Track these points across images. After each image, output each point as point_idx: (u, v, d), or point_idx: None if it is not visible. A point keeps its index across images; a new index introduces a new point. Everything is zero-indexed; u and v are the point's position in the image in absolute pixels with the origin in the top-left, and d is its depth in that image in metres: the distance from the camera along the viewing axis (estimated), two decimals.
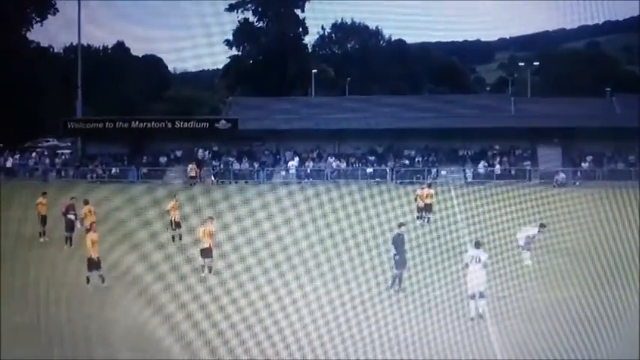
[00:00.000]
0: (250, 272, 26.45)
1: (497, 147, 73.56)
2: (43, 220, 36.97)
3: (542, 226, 30.84)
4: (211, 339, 19.72)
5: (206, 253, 27.83)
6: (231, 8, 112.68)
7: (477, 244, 23.77)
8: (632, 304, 22.71)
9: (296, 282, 25.62)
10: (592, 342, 19.60)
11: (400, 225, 26.54)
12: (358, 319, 21.84)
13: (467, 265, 22.94)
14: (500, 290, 24.64)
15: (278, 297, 23.82)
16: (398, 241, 25.43)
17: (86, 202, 34.82)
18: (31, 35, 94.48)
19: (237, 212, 36.10)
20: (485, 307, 22.55)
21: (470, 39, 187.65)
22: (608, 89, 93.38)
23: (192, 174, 68.29)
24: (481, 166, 71.52)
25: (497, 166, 70.79)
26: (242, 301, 22.97)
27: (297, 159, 73.73)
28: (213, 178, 71.43)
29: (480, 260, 22.68)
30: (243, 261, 27.89)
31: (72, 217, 35.32)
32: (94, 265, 26.33)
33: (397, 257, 25.16)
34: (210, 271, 27.51)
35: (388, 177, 71.18)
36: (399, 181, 68.95)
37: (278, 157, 75.68)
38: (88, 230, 32.18)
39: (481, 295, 22.44)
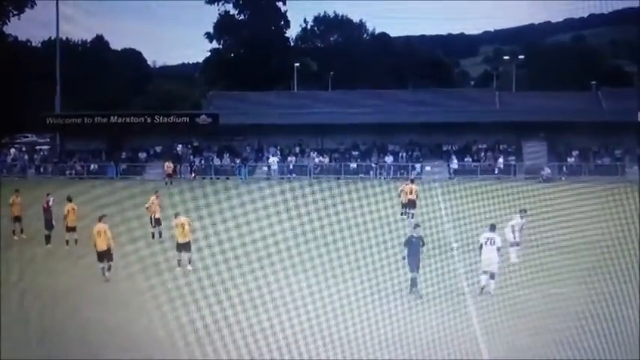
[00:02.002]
0: (231, 270, 25.40)
1: (481, 145, 72.94)
2: (17, 219, 36.30)
3: (523, 211, 30.66)
4: (195, 333, 19.64)
5: (183, 247, 28.18)
6: (212, 0, 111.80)
7: (493, 228, 25.29)
8: (619, 298, 22.46)
9: (279, 280, 25.11)
10: (580, 338, 19.30)
11: (415, 226, 25.64)
12: (346, 316, 21.37)
13: (481, 246, 24.79)
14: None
15: (254, 293, 23.44)
16: (411, 243, 24.42)
17: (69, 200, 34.24)
18: (8, 29, 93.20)
19: (214, 209, 34.87)
20: (493, 286, 24.24)
21: (454, 32, 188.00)
22: (594, 83, 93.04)
23: (169, 172, 66.62)
24: (465, 162, 70.82)
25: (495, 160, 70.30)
26: (222, 296, 22.59)
27: (279, 154, 72.87)
28: (192, 174, 70.41)
29: (494, 242, 24.56)
30: (220, 257, 26.86)
31: (51, 215, 34.69)
32: (104, 256, 27.14)
33: (410, 260, 24.21)
34: (189, 262, 27.84)
35: (372, 173, 70.38)
36: (382, 177, 68.15)
37: (260, 152, 74.72)
38: (69, 229, 32.99)
39: (492, 276, 24.37)
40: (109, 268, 27.04)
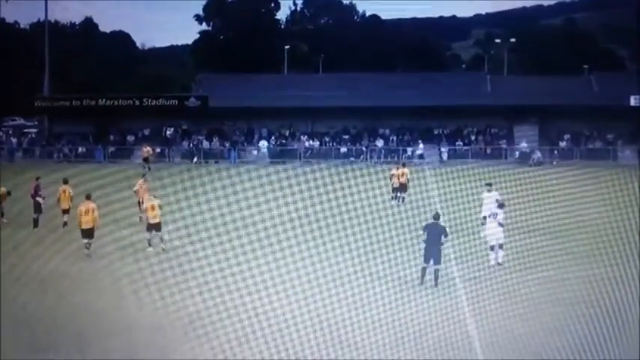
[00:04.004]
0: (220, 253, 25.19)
1: (472, 128, 72.75)
2: None
3: (488, 185, 30.99)
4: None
5: (154, 227, 28.79)
6: None
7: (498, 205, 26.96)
8: (610, 281, 22.33)
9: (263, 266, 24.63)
10: (572, 322, 19.25)
11: (436, 216, 24.55)
12: (334, 300, 21.12)
13: (485, 218, 27.02)
14: (477, 270, 24.35)
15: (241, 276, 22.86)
16: (430, 232, 23.69)
17: (65, 182, 34.03)
18: None
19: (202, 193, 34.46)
20: (502, 254, 25.65)
21: (445, 15, 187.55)
22: (586, 67, 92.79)
23: (145, 156, 64.69)
24: (456, 145, 70.67)
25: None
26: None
27: (269, 138, 72.56)
28: (194, 157, 70.48)
29: (496, 215, 26.28)
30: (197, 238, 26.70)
31: (39, 199, 34.56)
32: (87, 233, 28.06)
33: (426, 249, 23.57)
34: (161, 240, 28.49)
35: (362, 156, 70.05)
36: (373, 161, 67.88)
37: (250, 136, 74.31)
38: (64, 211, 33.10)
39: (500, 247, 25.75)
40: (89, 246, 27.88)
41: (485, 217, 29.20)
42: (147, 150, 65.51)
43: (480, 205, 30.55)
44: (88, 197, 28.77)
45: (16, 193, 36.20)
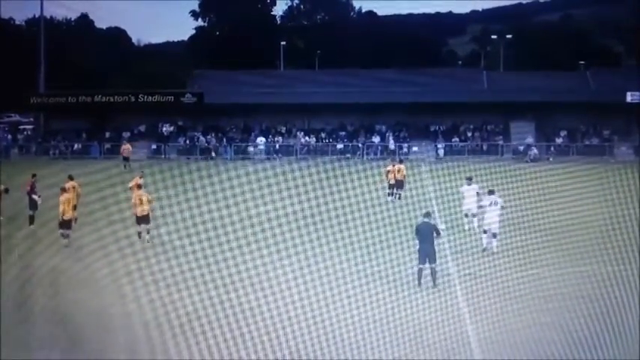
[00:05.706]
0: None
1: (469, 125, 72.68)
2: None
3: (468, 179, 31.95)
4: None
5: (142, 219, 29.39)
6: None
7: (491, 192, 28.13)
8: (605, 280, 22.22)
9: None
10: (567, 318, 19.18)
11: (426, 214, 24.31)
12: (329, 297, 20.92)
13: (483, 207, 27.87)
14: (472, 267, 24.34)
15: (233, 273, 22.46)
16: (423, 231, 23.31)
17: (71, 178, 33.54)
18: None
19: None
20: (495, 244, 26.67)
21: (442, 11, 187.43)
22: (582, 63, 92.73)
23: (125, 154, 63.55)
24: (453, 142, 70.77)
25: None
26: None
27: (265, 136, 72.52)
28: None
29: (497, 203, 27.43)
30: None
31: (35, 196, 34.01)
32: (69, 224, 28.96)
33: (421, 249, 23.10)
34: (147, 232, 29.09)
35: (359, 153, 70.01)
36: (369, 157, 67.84)
37: (246, 132, 74.20)
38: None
39: (494, 235, 26.90)
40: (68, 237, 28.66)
41: (467, 215, 30.58)
42: (126, 147, 65.14)
43: (461, 199, 31.55)
44: (67, 189, 29.88)
45: (12, 191, 36.07)
